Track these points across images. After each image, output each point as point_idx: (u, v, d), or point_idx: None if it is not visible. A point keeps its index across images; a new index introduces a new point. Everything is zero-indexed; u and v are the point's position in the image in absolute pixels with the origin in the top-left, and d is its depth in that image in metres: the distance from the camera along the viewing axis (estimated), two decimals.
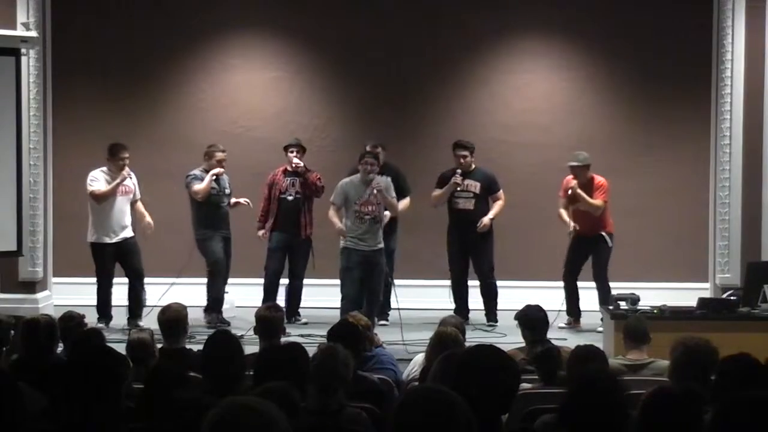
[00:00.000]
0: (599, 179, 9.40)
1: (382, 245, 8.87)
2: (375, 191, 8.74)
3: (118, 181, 9.19)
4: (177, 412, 3.16)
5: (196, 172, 9.46)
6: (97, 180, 9.24)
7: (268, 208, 9.64)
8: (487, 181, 9.51)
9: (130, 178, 9.30)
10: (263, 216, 9.66)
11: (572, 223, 9.30)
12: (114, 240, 9.24)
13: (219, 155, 9.47)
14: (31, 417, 3.38)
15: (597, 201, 9.30)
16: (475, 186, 9.52)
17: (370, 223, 8.75)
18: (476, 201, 9.53)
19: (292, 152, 9.63)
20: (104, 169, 9.32)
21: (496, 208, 9.50)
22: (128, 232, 9.31)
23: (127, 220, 9.31)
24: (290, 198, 9.57)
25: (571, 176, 9.34)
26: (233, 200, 9.63)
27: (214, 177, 9.37)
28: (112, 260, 9.31)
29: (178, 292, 9.30)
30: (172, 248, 9.89)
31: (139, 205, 9.47)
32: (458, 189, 9.54)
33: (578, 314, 9.40)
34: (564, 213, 9.39)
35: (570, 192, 9.27)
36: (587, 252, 9.41)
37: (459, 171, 9.45)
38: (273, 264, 9.61)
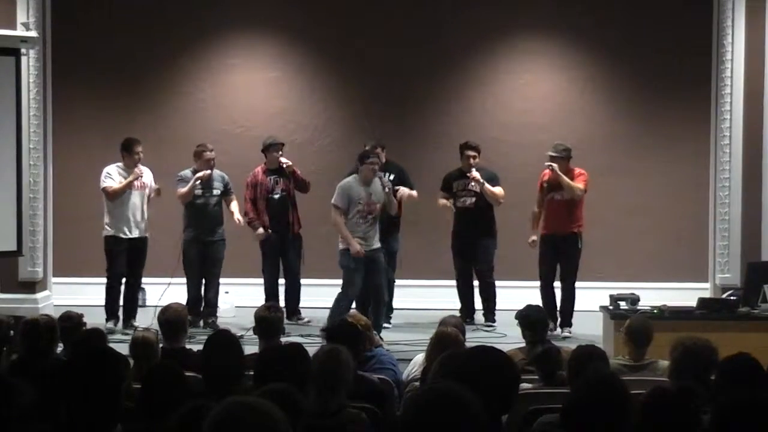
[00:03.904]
0: (579, 170, 9.28)
1: (379, 244, 8.87)
2: (386, 189, 8.75)
3: (130, 179, 9.18)
4: (177, 412, 3.15)
5: (186, 172, 9.45)
6: (111, 177, 9.22)
7: (255, 208, 9.60)
8: (489, 179, 9.51)
9: (142, 174, 9.25)
10: (254, 216, 9.59)
11: (533, 238, 9.27)
12: (130, 236, 9.22)
13: (207, 155, 9.43)
14: (23, 411, 3.38)
15: (578, 183, 9.16)
16: (476, 186, 9.52)
17: (372, 222, 8.75)
18: (477, 200, 9.54)
19: (279, 153, 9.60)
20: (119, 164, 9.30)
21: (493, 189, 9.46)
22: (143, 231, 9.30)
23: (142, 216, 9.28)
24: (277, 196, 9.56)
25: (548, 170, 9.27)
26: (235, 216, 9.51)
27: (199, 181, 9.34)
28: (125, 257, 9.27)
29: (181, 292, 9.35)
30: (173, 249, 9.87)
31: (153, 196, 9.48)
32: (460, 189, 9.55)
33: (555, 319, 9.23)
34: (535, 215, 9.33)
35: (548, 175, 9.12)
36: (558, 253, 9.24)
37: (473, 169, 9.45)
38: (270, 265, 9.60)
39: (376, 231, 8.80)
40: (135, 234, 9.24)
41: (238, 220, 9.49)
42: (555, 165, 9.11)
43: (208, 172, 9.40)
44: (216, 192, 9.50)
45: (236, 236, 9.72)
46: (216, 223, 9.50)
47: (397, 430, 2.67)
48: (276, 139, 9.77)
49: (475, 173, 9.42)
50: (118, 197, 9.18)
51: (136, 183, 9.24)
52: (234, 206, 9.57)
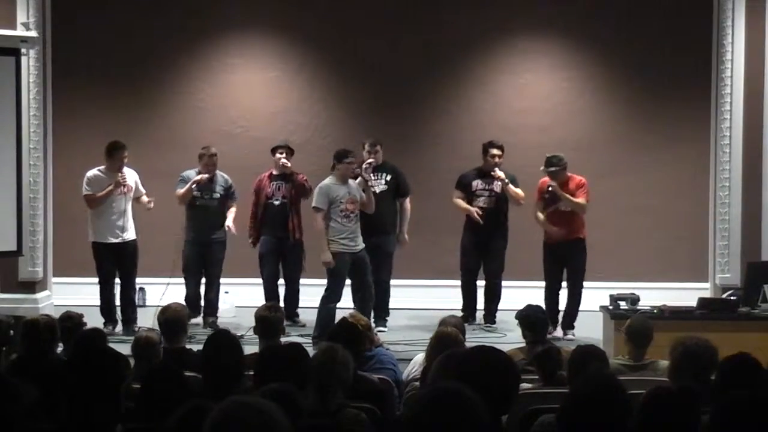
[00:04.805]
0: (578, 178, 9.22)
1: (363, 244, 8.83)
2: (363, 183, 8.77)
3: (110, 188, 9.08)
4: (177, 412, 3.15)
5: (189, 172, 9.45)
6: (91, 184, 9.14)
7: (255, 216, 9.59)
8: (510, 180, 9.48)
9: (124, 182, 9.15)
10: (251, 224, 9.58)
11: (553, 228, 9.18)
12: (114, 241, 9.15)
13: (206, 159, 9.44)
14: (26, 411, 3.39)
15: (581, 199, 9.12)
16: (497, 186, 9.50)
17: (356, 221, 8.75)
18: (497, 200, 9.52)
19: (281, 153, 9.59)
20: (101, 168, 9.21)
21: (516, 189, 9.47)
22: (129, 234, 9.21)
23: (128, 220, 9.20)
24: (276, 203, 9.50)
25: (547, 177, 9.24)
26: (227, 222, 9.45)
27: (195, 184, 9.34)
28: (112, 261, 9.22)
29: (181, 292, 9.34)
30: (172, 249, 9.85)
31: (143, 198, 9.39)
32: (480, 188, 9.53)
33: (556, 322, 9.20)
34: (541, 217, 9.25)
35: (549, 190, 9.09)
36: (564, 259, 9.20)
37: (497, 168, 9.43)
38: (267, 270, 9.54)
39: (359, 230, 8.79)
40: (119, 239, 9.16)
41: (228, 227, 9.43)
42: (555, 185, 9.06)
43: (206, 175, 9.39)
44: (216, 195, 9.47)
45: (236, 237, 9.72)
46: (215, 225, 9.46)
47: (401, 429, 2.67)
48: (282, 142, 9.76)
49: (499, 172, 9.41)
50: (98, 205, 9.12)
51: (119, 188, 9.15)
52: (230, 212, 9.49)
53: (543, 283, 9.30)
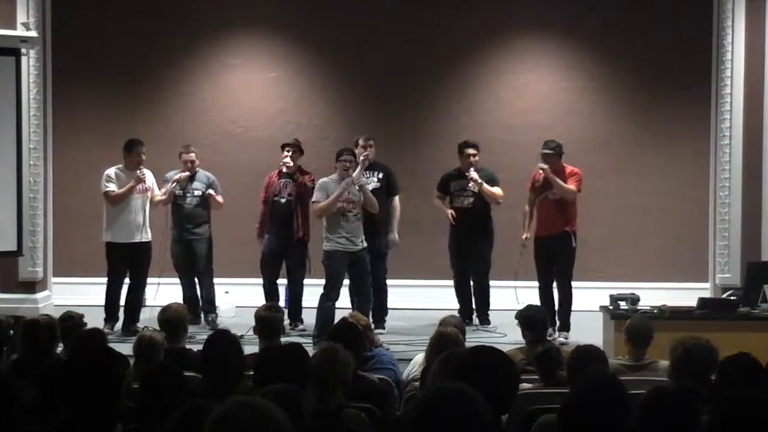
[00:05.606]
0: (573, 168, 9.14)
1: (365, 243, 8.84)
2: (357, 186, 8.77)
3: (132, 184, 9.07)
4: (176, 412, 3.15)
5: (172, 173, 9.49)
6: (112, 180, 9.12)
7: (263, 212, 9.58)
8: (488, 179, 9.49)
9: (144, 178, 9.14)
10: (260, 222, 9.57)
11: (526, 235, 9.14)
12: (130, 241, 9.12)
13: (184, 157, 9.49)
14: (25, 412, 3.39)
15: (570, 186, 9.00)
16: (474, 186, 9.49)
17: (355, 220, 8.74)
18: (475, 200, 9.52)
19: (288, 152, 9.58)
20: (120, 166, 9.21)
21: (492, 189, 9.44)
22: (145, 235, 9.17)
23: (144, 219, 9.16)
24: (282, 200, 9.46)
25: (539, 171, 9.20)
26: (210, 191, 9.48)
27: (174, 184, 9.38)
28: (126, 262, 9.20)
29: (174, 292, 9.33)
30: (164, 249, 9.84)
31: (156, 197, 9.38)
32: (458, 189, 9.54)
33: (554, 322, 9.18)
34: (527, 214, 9.22)
35: (541, 175, 8.99)
36: (551, 253, 9.10)
37: (471, 170, 9.42)
38: (268, 269, 9.51)
39: (360, 229, 8.78)
40: (136, 239, 9.13)
41: (209, 193, 9.43)
42: (547, 167, 9.02)
43: (185, 174, 9.42)
44: (197, 193, 9.48)
45: (237, 237, 9.71)
46: (196, 222, 9.48)
47: (401, 429, 2.67)
48: (291, 139, 9.72)
49: (473, 174, 9.39)
50: (120, 202, 9.09)
51: (137, 186, 9.15)
52: (217, 197, 9.51)
53: (537, 283, 9.27)
